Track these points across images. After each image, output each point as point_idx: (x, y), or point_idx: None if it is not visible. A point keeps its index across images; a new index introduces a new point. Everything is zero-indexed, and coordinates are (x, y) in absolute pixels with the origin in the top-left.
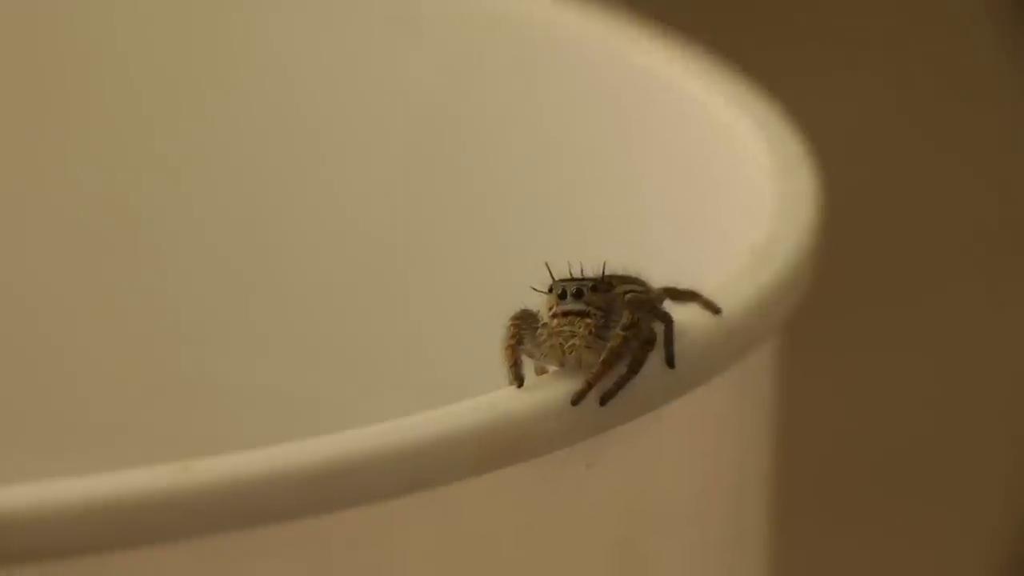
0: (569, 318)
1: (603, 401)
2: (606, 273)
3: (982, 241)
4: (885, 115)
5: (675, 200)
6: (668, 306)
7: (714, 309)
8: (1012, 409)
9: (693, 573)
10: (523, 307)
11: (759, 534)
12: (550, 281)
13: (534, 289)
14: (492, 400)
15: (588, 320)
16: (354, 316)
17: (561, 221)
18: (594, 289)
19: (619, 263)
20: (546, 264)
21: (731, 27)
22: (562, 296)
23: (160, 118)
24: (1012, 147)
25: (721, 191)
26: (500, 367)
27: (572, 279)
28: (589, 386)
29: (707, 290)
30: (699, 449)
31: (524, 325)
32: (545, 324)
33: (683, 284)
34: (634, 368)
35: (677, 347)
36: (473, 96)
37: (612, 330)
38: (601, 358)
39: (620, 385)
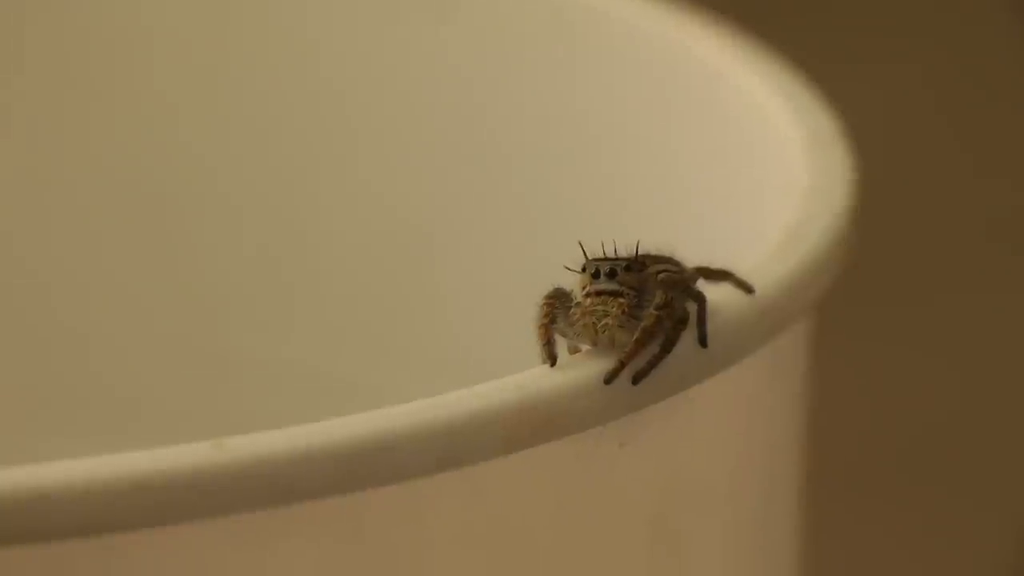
0: (602, 297)
1: (635, 380)
2: (639, 252)
3: (1017, 228)
4: (922, 104)
5: (710, 180)
6: (701, 285)
7: (747, 289)
8: None
9: (725, 552)
10: (556, 286)
11: (790, 515)
12: (583, 260)
13: (567, 268)
14: (524, 379)
15: (621, 300)
16: (385, 294)
17: (594, 200)
18: (627, 268)
19: (653, 242)
20: (579, 243)
21: (767, 13)
22: (595, 275)
23: (187, 97)
24: None
25: (756, 171)
26: (533, 346)
27: (605, 258)
28: (622, 365)
29: (740, 270)
30: (731, 428)
31: (557, 304)
32: (578, 303)
33: (716, 264)
34: (667, 347)
35: (710, 327)
36: (508, 75)
37: (645, 309)
38: (634, 337)
39: (653, 364)
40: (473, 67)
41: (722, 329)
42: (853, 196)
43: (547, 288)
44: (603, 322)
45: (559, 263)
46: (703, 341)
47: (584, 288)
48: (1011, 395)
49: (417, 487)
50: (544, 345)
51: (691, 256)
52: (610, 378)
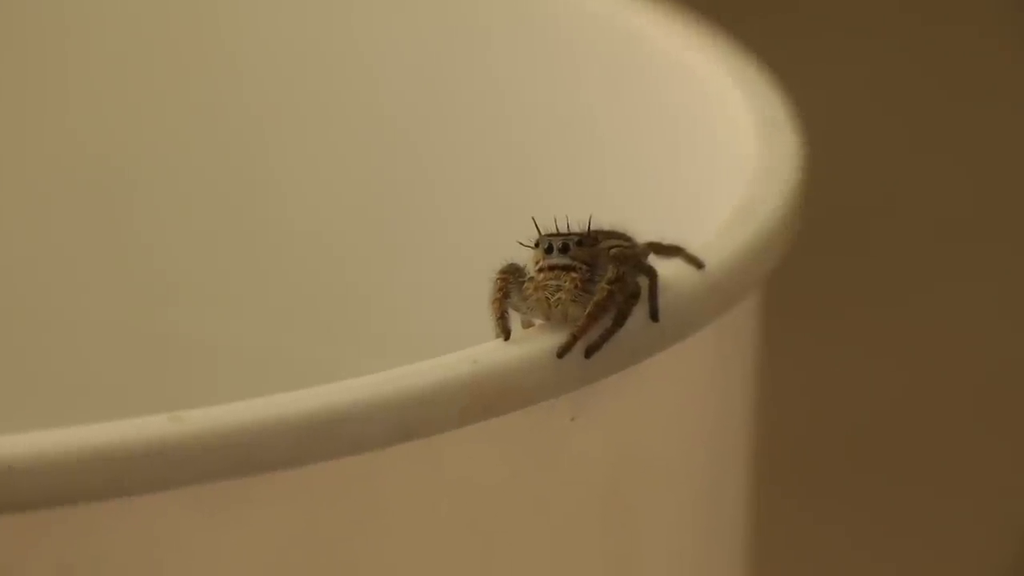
0: (555, 272)
1: (588, 354)
2: (591, 228)
3: (965, 209)
4: (870, 89)
5: (663, 160)
6: (653, 261)
7: (697, 264)
8: (986, 370)
9: (676, 524)
10: (510, 261)
11: (741, 488)
12: (536, 236)
13: (521, 244)
14: (478, 352)
15: (574, 274)
16: (342, 275)
17: (550, 180)
18: (580, 243)
19: (607, 220)
20: (533, 219)
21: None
22: (548, 250)
23: (147, 88)
24: (995, 120)
25: (708, 152)
26: (488, 323)
27: (558, 234)
28: (574, 339)
29: (692, 247)
30: (682, 402)
31: (511, 279)
32: (531, 278)
33: (668, 239)
34: (619, 321)
35: (661, 301)
36: (466, 60)
37: (597, 284)
38: (586, 311)
39: (605, 338)
40: (432, 53)
41: (673, 304)
42: (801, 177)
43: (502, 264)
44: (556, 296)
45: (514, 241)
46: (654, 315)
47: (537, 263)
48: (956, 373)
49: (373, 458)
50: (498, 319)
51: (645, 234)
52: (563, 352)
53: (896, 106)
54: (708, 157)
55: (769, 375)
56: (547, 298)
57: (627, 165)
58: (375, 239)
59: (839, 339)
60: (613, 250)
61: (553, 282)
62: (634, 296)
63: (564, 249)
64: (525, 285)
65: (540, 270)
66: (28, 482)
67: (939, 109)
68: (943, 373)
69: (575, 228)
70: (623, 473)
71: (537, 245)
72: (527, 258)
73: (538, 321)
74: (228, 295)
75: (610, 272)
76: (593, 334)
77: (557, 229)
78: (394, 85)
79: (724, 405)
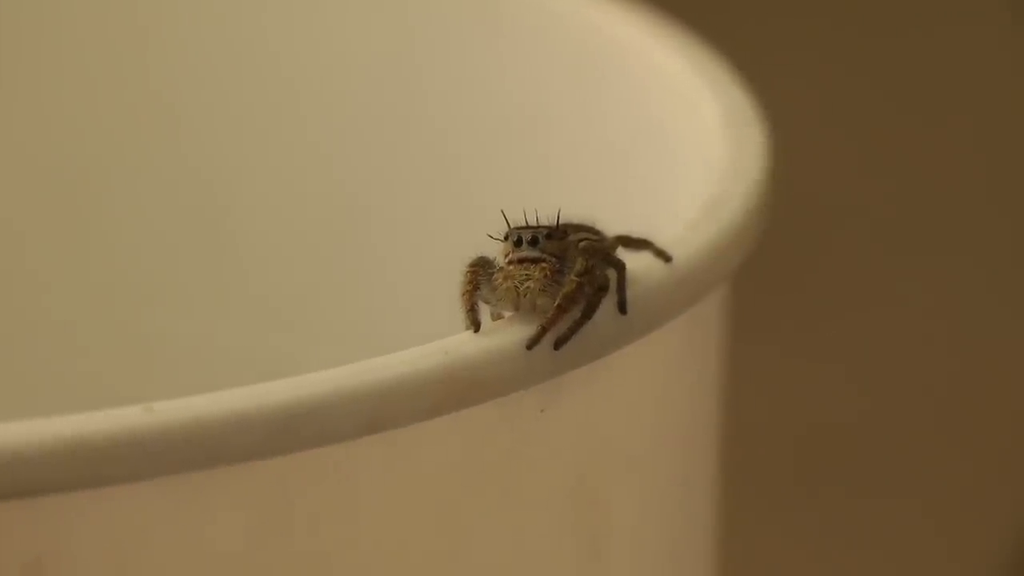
0: (524, 264)
1: (557, 345)
2: (560, 221)
3: (935, 209)
4: (836, 84)
5: (630, 154)
6: (621, 254)
7: (665, 257)
8: (951, 359)
9: (646, 516)
10: (480, 254)
11: (709, 482)
12: (506, 229)
13: (490, 236)
14: (448, 344)
15: (543, 265)
16: (315, 270)
17: (519, 174)
18: (549, 236)
19: (575, 214)
20: (502, 212)
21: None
22: (517, 243)
23: (127, 89)
24: (968, 118)
25: (674, 147)
26: (458, 316)
27: (527, 227)
28: (544, 330)
29: (660, 240)
30: (651, 394)
31: (481, 272)
32: (501, 269)
33: (636, 233)
34: (587, 313)
35: (630, 293)
36: (433, 55)
37: (566, 276)
38: (555, 303)
39: (574, 330)
40: (398, 48)
41: (642, 296)
42: (768, 171)
43: (471, 257)
44: (525, 285)
45: (483, 237)
46: (622, 307)
47: (507, 256)
48: (926, 366)
49: (344, 450)
50: (468, 311)
51: (613, 227)
52: (532, 343)
53: (865, 102)
54: (675, 153)
55: (736, 370)
56: (516, 287)
57: (594, 161)
58: (346, 234)
59: (807, 334)
60: (582, 243)
61: (522, 273)
62: (603, 288)
63: (533, 242)
64: (495, 276)
65: (510, 262)
66: None
67: (910, 105)
68: (913, 366)
69: (544, 221)
70: (592, 465)
71: (507, 238)
72: (496, 251)
73: (507, 314)
74: (206, 293)
75: (579, 264)
76: (562, 326)
77: (527, 222)
78: (364, 84)
79: (692, 398)
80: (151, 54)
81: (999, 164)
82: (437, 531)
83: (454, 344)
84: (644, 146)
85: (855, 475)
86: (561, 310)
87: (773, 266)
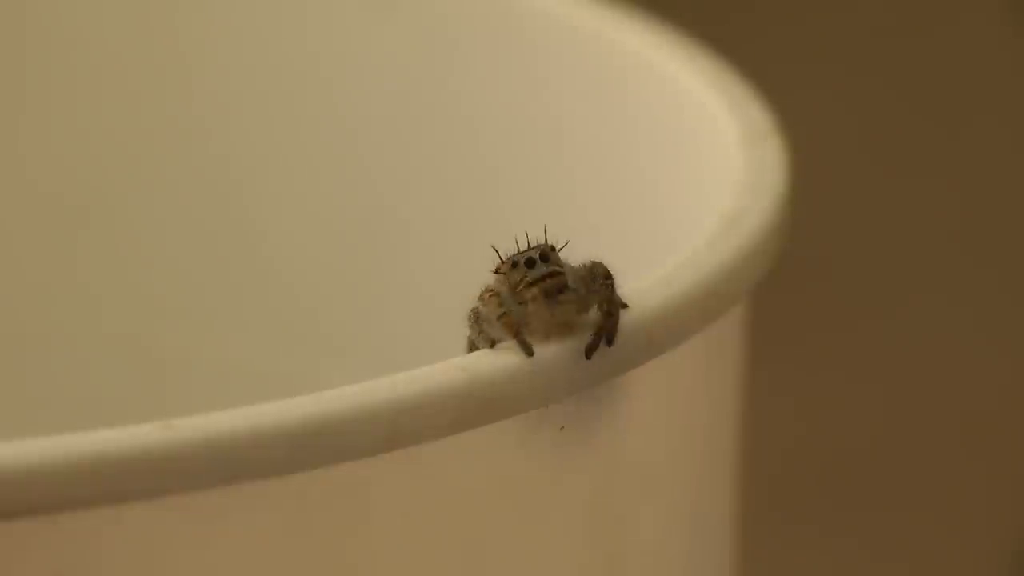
0: (547, 281)
1: (588, 354)
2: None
3: (955, 222)
4: (855, 99)
5: (648, 171)
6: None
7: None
8: (977, 379)
9: (663, 534)
10: (486, 284)
11: (727, 499)
12: (497, 263)
13: (494, 272)
14: (467, 361)
15: (563, 276)
16: (329, 287)
17: (530, 191)
18: (553, 250)
19: (591, 233)
20: (493, 247)
21: (700, 9)
22: (529, 264)
23: (141, 95)
24: (987, 129)
25: (693, 163)
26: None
27: (528, 248)
28: (599, 336)
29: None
30: (669, 411)
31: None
32: (518, 292)
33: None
34: (615, 322)
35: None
36: (447, 73)
37: (575, 290)
38: (604, 309)
39: (601, 337)
40: (411, 66)
41: (660, 315)
42: (786, 187)
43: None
44: (561, 297)
45: (490, 250)
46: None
47: (519, 281)
48: (945, 385)
49: (363, 466)
50: (516, 336)
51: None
52: (590, 351)
53: (885, 116)
54: (693, 169)
55: (755, 388)
56: (546, 306)
57: (613, 177)
58: (363, 250)
59: (827, 351)
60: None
61: (552, 282)
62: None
63: (544, 258)
64: (504, 303)
65: (529, 284)
66: (19, 490)
67: (931, 120)
68: (931, 385)
69: (524, 245)
70: (611, 483)
71: (514, 265)
72: (493, 283)
73: (502, 344)
74: (222, 309)
75: (601, 269)
76: (613, 331)
77: (518, 248)
78: (384, 101)
79: (711, 416)
80: (176, 72)
81: None
82: (456, 547)
83: (473, 361)
84: (662, 162)
85: (875, 491)
86: (611, 316)
87: (792, 282)
